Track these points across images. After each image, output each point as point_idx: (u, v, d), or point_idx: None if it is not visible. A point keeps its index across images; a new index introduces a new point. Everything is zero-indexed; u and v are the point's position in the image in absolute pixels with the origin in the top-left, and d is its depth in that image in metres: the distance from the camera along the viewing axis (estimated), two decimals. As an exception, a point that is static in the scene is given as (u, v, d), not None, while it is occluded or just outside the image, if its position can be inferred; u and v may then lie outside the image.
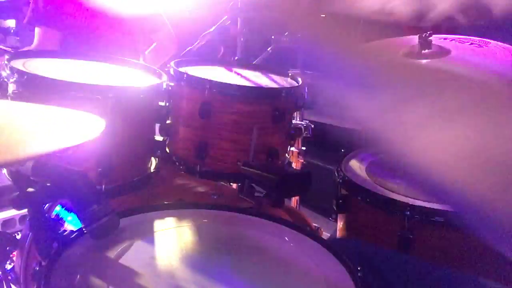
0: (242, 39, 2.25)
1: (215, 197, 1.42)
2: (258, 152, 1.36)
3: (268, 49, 2.16)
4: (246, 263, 0.93)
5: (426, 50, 1.50)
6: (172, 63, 1.45)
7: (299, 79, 1.55)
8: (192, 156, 1.38)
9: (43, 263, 0.82)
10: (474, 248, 1.17)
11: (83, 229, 0.90)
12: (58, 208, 1.35)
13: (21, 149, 0.68)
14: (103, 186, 1.24)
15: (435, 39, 1.51)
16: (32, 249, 1.31)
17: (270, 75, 1.63)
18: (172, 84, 1.41)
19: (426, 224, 1.19)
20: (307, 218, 1.57)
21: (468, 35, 1.56)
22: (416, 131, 0.54)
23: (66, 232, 0.93)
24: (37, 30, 2.23)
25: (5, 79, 1.22)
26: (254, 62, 2.05)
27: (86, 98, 1.18)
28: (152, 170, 1.42)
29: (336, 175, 1.44)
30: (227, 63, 1.69)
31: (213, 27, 2.01)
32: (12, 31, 3.80)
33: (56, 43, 2.19)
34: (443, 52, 1.50)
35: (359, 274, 0.87)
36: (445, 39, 1.58)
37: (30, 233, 1.27)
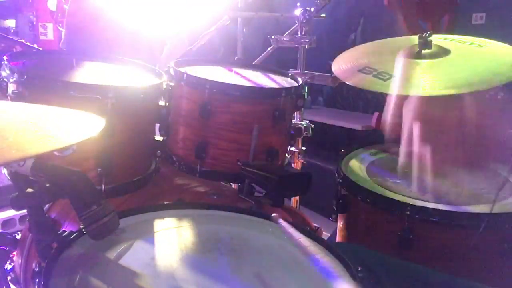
0: (242, 39, 2.26)
1: (215, 197, 1.42)
2: (258, 152, 1.36)
3: (268, 49, 2.15)
4: (246, 263, 0.93)
5: (426, 50, 1.50)
6: (172, 63, 1.45)
7: (299, 79, 1.55)
8: (192, 156, 1.38)
9: (42, 264, 0.82)
10: (474, 248, 1.17)
11: (83, 230, 0.90)
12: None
13: (21, 149, 0.68)
14: (103, 186, 1.24)
15: (435, 39, 1.51)
16: (32, 249, 1.31)
17: (270, 75, 1.63)
18: (172, 84, 1.41)
19: (426, 224, 1.19)
20: (307, 218, 1.57)
21: (468, 35, 1.56)
22: None
23: (66, 233, 0.93)
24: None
25: (5, 79, 1.22)
26: (254, 62, 2.05)
27: (86, 98, 1.18)
28: (152, 170, 1.42)
29: (336, 175, 1.44)
30: (227, 63, 1.69)
31: (213, 27, 2.01)
32: (12, 31, 3.80)
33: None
34: (443, 52, 1.50)
35: (359, 275, 0.87)
36: (445, 39, 1.58)
37: (30, 233, 1.27)
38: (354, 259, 0.93)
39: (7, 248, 1.34)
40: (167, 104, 1.43)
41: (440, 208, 1.20)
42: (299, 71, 1.98)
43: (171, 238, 1.00)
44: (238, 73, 1.60)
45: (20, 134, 0.71)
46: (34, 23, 3.89)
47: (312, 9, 1.97)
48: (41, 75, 1.27)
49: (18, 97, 1.18)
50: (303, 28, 1.97)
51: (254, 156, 1.34)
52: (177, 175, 1.54)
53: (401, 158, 0.77)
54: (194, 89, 1.36)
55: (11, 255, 1.43)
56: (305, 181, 1.32)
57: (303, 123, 1.80)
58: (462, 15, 3.11)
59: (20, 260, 1.34)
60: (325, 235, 1.74)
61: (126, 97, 1.25)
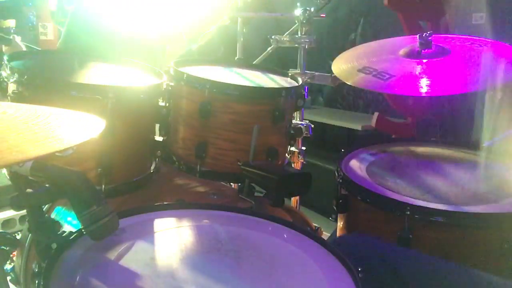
0: (242, 39, 2.25)
1: (215, 197, 1.42)
2: (258, 152, 1.36)
3: (268, 49, 2.15)
4: (246, 263, 0.93)
5: (426, 50, 1.50)
6: (172, 63, 1.45)
7: (299, 79, 1.55)
8: (192, 156, 1.38)
9: (42, 264, 0.82)
10: (474, 247, 1.17)
11: (82, 230, 0.90)
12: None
13: (22, 150, 0.68)
14: (103, 186, 1.24)
15: (435, 38, 1.51)
16: (32, 249, 1.31)
17: (270, 75, 1.63)
18: (172, 84, 1.41)
19: (426, 224, 1.19)
20: (307, 218, 1.57)
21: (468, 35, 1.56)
22: None
23: (66, 233, 0.93)
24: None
25: (5, 79, 1.22)
26: (254, 62, 2.05)
27: (86, 98, 1.18)
28: (152, 170, 1.42)
29: (336, 175, 1.44)
30: (227, 63, 1.69)
31: (213, 27, 2.01)
32: (12, 31, 3.80)
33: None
34: (443, 52, 1.50)
35: (359, 275, 0.87)
36: (445, 39, 1.58)
37: (30, 234, 1.27)
38: (369, 252, 0.92)
39: (7, 248, 1.34)
40: (167, 104, 1.43)
41: (440, 208, 1.20)
42: (299, 71, 1.98)
43: (171, 238, 1.00)
44: (238, 73, 1.60)
45: (20, 135, 0.71)
46: (34, 23, 3.89)
47: (312, 9, 1.97)
48: (41, 75, 1.27)
49: (18, 97, 1.18)
50: (303, 28, 1.97)
51: (254, 156, 1.34)
52: (177, 175, 1.54)
53: None
54: (194, 89, 1.36)
55: (11, 255, 1.43)
56: (305, 181, 1.32)
57: (303, 123, 1.80)
58: (462, 15, 3.11)
59: (20, 260, 1.34)
60: (325, 235, 1.74)
61: (126, 97, 1.25)
